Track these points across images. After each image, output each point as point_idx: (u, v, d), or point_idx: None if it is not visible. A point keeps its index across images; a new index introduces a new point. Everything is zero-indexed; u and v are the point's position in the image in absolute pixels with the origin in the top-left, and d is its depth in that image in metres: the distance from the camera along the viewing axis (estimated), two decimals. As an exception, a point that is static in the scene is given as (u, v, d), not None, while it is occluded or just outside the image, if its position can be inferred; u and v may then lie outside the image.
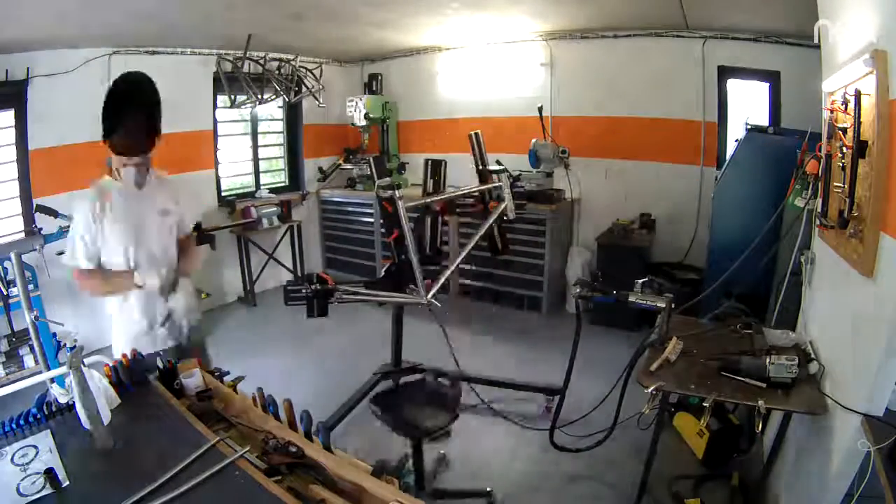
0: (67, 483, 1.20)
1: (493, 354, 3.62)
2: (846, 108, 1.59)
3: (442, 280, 2.55)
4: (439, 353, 2.80)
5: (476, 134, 3.06)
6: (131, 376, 1.67)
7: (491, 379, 3.03)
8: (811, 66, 2.25)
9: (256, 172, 5.12)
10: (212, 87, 4.41)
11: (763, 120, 3.71)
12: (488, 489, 2.29)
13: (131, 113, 1.75)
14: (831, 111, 1.77)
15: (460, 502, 2.32)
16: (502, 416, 2.83)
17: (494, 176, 2.87)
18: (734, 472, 2.27)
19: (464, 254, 2.76)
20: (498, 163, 3.34)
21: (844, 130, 1.59)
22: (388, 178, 2.50)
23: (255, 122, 4.99)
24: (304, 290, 2.14)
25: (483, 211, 2.95)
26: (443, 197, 2.85)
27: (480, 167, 3.02)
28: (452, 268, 2.70)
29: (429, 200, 2.75)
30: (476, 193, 2.94)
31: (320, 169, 5.48)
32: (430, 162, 3.00)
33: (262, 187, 5.06)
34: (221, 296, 4.72)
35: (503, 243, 3.09)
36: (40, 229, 2.78)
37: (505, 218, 2.81)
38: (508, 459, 2.57)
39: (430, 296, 2.43)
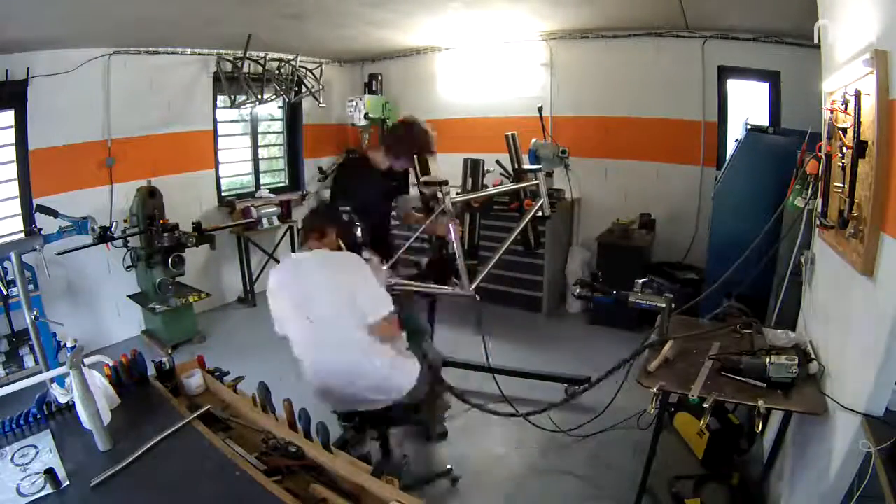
0: (67, 483, 1.20)
1: (493, 354, 3.61)
2: (846, 108, 1.59)
3: (484, 273, 2.65)
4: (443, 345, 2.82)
5: (513, 135, 3.19)
6: (131, 376, 1.68)
7: (520, 371, 3.17)
8: (811, 66, 2.24)
9: (256, 172, 5.12)
10: (212, 87, 4.41)
11: (763, 120, 3.71)
12: (448, 467, 2.38)
13: None
14: (831, 111, 1.76)
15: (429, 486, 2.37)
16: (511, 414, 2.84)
17: (531, 174, 3.01)
18: (734, 472, 2.27)
19: (503, 248, 2.84)
20: (498, 163, 3.37)
21: (844, 130, 1.59)
22: (431, 176, 2.61)
23: (255, 122, 4.99)
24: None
25: (518, 209, 3.04)
26: (485, 194, 2.95)
27: (516, 167, 3.11)
28: (493, 261, 2.76)
29: (470, 197, 2.86)
30: (511, 192, 3.09)
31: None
32: (468, 161, 3.12)
33: (262, 187, 5.06)
34: (221, 296, 4.72)
35: (536, 240, 3.17)
36: (40, 229, 2.78)
37: (539, 215, 2.89)
38: (508, 458, 2.57)
39: (472, 287, 2.54)
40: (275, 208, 4.75)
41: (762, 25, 3.51)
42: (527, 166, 3.15)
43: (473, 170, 3.11)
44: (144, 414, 1.51)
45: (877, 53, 1.33)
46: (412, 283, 2.59)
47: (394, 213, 3.00)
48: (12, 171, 3.40)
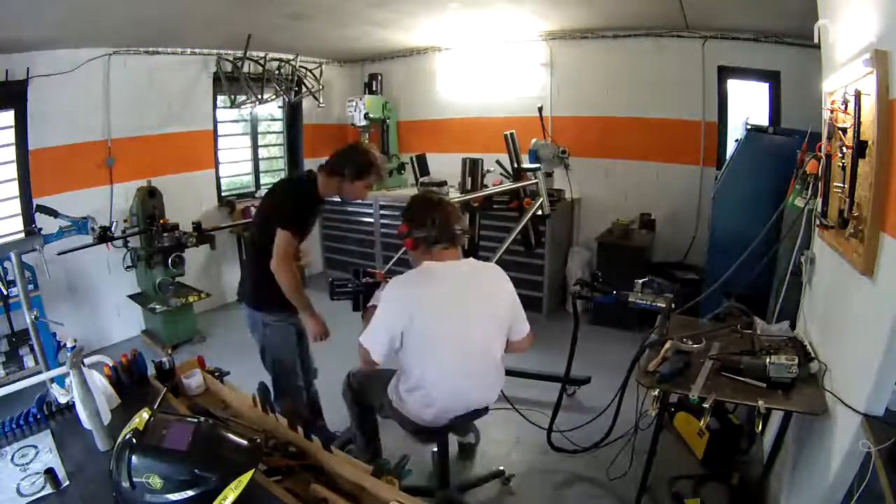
0: (67, 483, 1.20)
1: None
2: (846, 108, 1.59)
3: None
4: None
5: (511, 134, 3.18)
6: (131, 376, 1.68)
7: (520, 371, 3.10)
8: (811, 66, 2.24)
9: (256, 172, 5.11)
10: (212, 87, 4.41)
11: (763, 120, 3.71)
12: (501, 468, 2.39)
13: None
14: (831, 111, 1.76)
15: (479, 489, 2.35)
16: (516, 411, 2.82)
17: (529, 174, 2.99)
18: (734, 472, 2.27)
19: (503, 248, 2.82)
20: (498, 163, 3.38)
21: (844, 130, 1.59)
22: (430, 176, 2.58)
23: (255, 122, 4.99)
24: (350, 285, 2.13)
25: (518, 208, 3.04)
26: (483, 194, 2.93)
27: (515, 165, 3.11)
28: (493, 261, 2.72)
29: (470, 197, 2.84)
30: (511, 191, 3.11)
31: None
32: (468, 161, 3.10)
33: (262, 187, 5.06)
34: (221, 296, 4.71)
35: (536, 239, 3.16)
36: (40, 229, 2.78)
37: (539, 214, 2.88)
38: (507, 458, 2.57)
39: None
40: (275, 208, 4.75)
41: (762, 25, 3.51)
42: (526, 165, 3.16)
43: (472, 169, 3.12)
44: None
45: (877, 53, 1.33)
46: None
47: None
48: (12, 171, 3.40)
